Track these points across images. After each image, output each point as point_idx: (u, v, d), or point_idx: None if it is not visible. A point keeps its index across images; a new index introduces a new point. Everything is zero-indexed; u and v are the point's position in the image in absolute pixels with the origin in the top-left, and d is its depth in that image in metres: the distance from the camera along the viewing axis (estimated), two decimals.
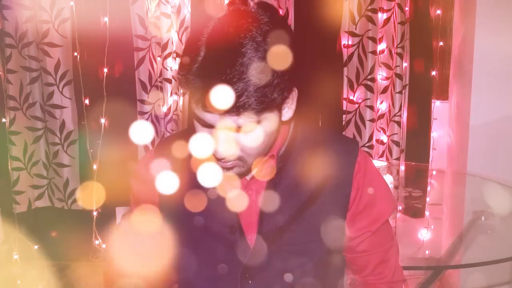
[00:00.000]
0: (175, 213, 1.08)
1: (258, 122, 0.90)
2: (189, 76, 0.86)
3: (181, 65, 0.88)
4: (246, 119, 0.87)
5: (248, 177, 1.06)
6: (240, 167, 0.96)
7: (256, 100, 0.85)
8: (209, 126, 0.91)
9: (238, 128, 0.89)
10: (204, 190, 1.05)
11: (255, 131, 0.91)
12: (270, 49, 0.85)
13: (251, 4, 0.90)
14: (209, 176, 1.02)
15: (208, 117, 0.88)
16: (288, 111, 0.98)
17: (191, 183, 1.05)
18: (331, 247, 1.06)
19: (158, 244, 1.15)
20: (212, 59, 0.84)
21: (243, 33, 0.84)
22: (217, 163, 0.96)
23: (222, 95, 0.83)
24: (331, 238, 1.06)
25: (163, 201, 1.09)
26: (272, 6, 0.93)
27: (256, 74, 0.84)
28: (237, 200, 1.05)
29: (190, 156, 1.05)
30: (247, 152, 0.94)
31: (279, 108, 0.94)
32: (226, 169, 0.96)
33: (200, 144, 0.94)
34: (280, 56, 0.87)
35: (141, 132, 2.89)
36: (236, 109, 0.85)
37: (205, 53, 0.85)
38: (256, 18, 0.87)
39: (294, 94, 0.97)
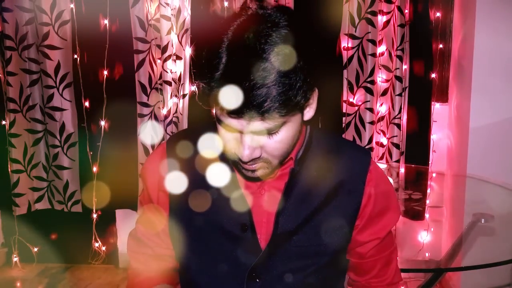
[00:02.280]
0: (185, 210, 1.08)
1: (283, 124, 0.91)
2: (213, 84, 0.86)
3: (202, 73, 0.88)
4: (271, 123, 0.88)
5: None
6: (264, 169, 0.97)
7: (280, 104, 0.85)
8: (234, 130, 0.91)
9: (263, 132, 0.90)
10: (216, 188, 1.06)
11: (279, 134, 0.92)
12: (290, 52, 0.85)
13: (269, 7, 0.90)
14: (222, 175, 1.03)
15: (234, 123, 0.89)
16: (309, 111, 0.99)
17: (202, 181, 1.06)
18: (337, 250, 1.09)
19: (169, 239, 1.15)
20: (235, 66, 0.84)
21: (264, 38, 0.84)
22: (242, 166, 0.97)
23: (246, 101, 0.84)
24: (338, 243, 1.08)
25: (173, 197, 1.09)
26: (289, 9, 0.93)
27: (279, 78, 0.84)
28: (251, 199, 1.06)
29: (202, 151, 1.07)
30: (272, 154, 0.95)
31: (302, 110, 0.95)
32: (251, 171, 0.97)
33: (227, 149, 0.95)
34: (300, 58, 0.87)
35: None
36: (261, 114, 0.85)
37: (227, 60, 0.85)
38: (274, 22, 0.87)
39: (315, 94, 0.98)
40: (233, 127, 0.90)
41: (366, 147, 2.84)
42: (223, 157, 1.05)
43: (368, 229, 1.10)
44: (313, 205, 1.05)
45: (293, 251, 1.05)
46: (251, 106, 0.84)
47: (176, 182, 1.08)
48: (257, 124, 0.88)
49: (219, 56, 0.85)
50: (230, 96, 0.84)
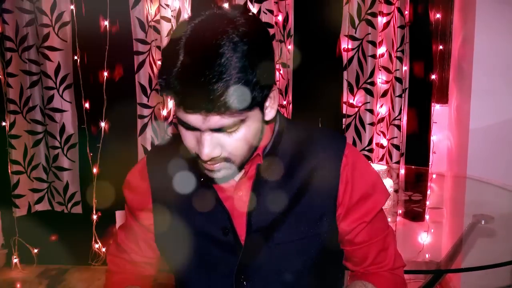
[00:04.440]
0: (169, 216, 1.09)
1: (241, 121, 0.91)
2: (170, 80, 0.86)
3: (161, 70, 0.89)
4: (229, 119, 0.88)
5: (237, 178, 1.06)
6: (227, 169, 0.97)
7: (237, 99, 0.86)
8: (193, 128, 0.91)
9: (222, 129, 0.90)
10: (197, 192, 1.06)
11: (239, 131, 0.92)
12: (247, 48, 0.86)
13: (226, 8, 0.93)
14: (199, 183, 1.03)
15: (191, 119, 0.89)
16: (271, 111, 0.99)
17: (183, 185, 1.07)
18: (323, 243, 1.06)
19: (150, 249, 1.18)
20: (192, 62, 0.85)
21: (220, 34, 0.86)
22: (204, 166, 0.97)
23: (203, 96, 0.85)
24: (323, 233, 1.05)
25: (156, 205, 1.10)
26: (245, 8, 0.95)
27: (235, 73, 0.85)
28: (228, 201, 1.06)
29: (183, 159, 1.06)
30: (232, 153, 0.94)
31: (261, 107, 0.95)
32: (213, 171, 0.97)
33: (189, 148, 0.95)
34: (257, 55, 0.88)
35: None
36: (218, 109, 0.86)
37: (184, 57, 0.86)
38: (231, 20, 0.88)
39: (275, 93, 0.98)
40: (192, 124, 0.90)
41: (366, 148, 2.84)
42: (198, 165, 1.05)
43: (352, 215, 1.07)
44: (288, 198, 1.04)
45: (278, 248, 1.04)
46: (207, 101, 0.85)
47: (158, 193, 1.10)
48: (215, 120, 0.88)
49: (177, 53, 0.86)
50: (187, 91, 0.85)
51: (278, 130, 1.07)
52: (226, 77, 0.84)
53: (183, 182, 1.07)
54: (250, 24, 0.90)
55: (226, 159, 0.95)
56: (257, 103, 0.92)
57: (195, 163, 0.99)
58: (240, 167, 1.01)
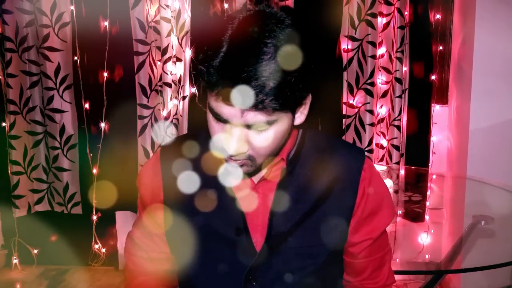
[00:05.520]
0: (181, 213, 1.09)
1: (273, 122, 0.91)
2: (211, 70, 0.87)
3: (203, 58, 0.89)
4: (263, 117, 0.89)
5: (256, 179, 1.07)
6: (248, 166, 0.97)
7: (276, 97, 0.86)
8: (224, 121, 0.92)
9: (253, 126, 0.91)
10: (211, 190, 1.06)
11: (268, 131, 0.92)
12: (290, 51, 0.87)
13: (274, 7, 0.92)
14: (225, 176, 1.04)
15: (226, 111, 0.89)
16: (300, 116, 1.00)
17: (196, 187, 1.07)
18: (334, 250, 1.08)
19: (165, 244, 1.16)
20: (236, 55, 0.86)
21: (268, 32, 0.86)
22: (226, 160, 0.97)
23: (242, 91, 0.85)
24: (335, 242, 1.07)
25: (168, 202, 1.10)
26: (294, 10, 0.95)
27: (277, 72, 0.85)
28: (245, 201, 1.06)
29: (198, 157, 1.07)
30: (257, 152, 0.95)
31: (293, 111, 0.96)
32: (234, 166, 0.97)
33: (218, 143, 0.95)
34: (300, 59, 0.89)
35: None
36: (254, 106, 0.86)
37: (228, 48, 0.86)
38: (279, 20, 0.88)
39: (308, 100, 0.99)
40: (226, 116, 0.90)
41: (366, 149, 2.84)
42: (216, 162, 1.05)
43: (361, 229, 1.10)
44: (307, 205, 1.05)
45: (290, 252, 1.05)
46: (247, 95, 0.85)
47: (171, 190, 1.09)
48: (250, 116, 0.88)
49: (221, 43, 0.87)
50: (227, 83, 0.85)
51: (302, 137, 1.09)
52: (266, 76, 0.85)
53: (196, 179, 1.07)
54: (297, 27, 0.90)
55: (250, 157, 0.95)
56: (291, 107, 0.93)
57: (209, 160, 1.00)
58: (259, 168, 1.02)
